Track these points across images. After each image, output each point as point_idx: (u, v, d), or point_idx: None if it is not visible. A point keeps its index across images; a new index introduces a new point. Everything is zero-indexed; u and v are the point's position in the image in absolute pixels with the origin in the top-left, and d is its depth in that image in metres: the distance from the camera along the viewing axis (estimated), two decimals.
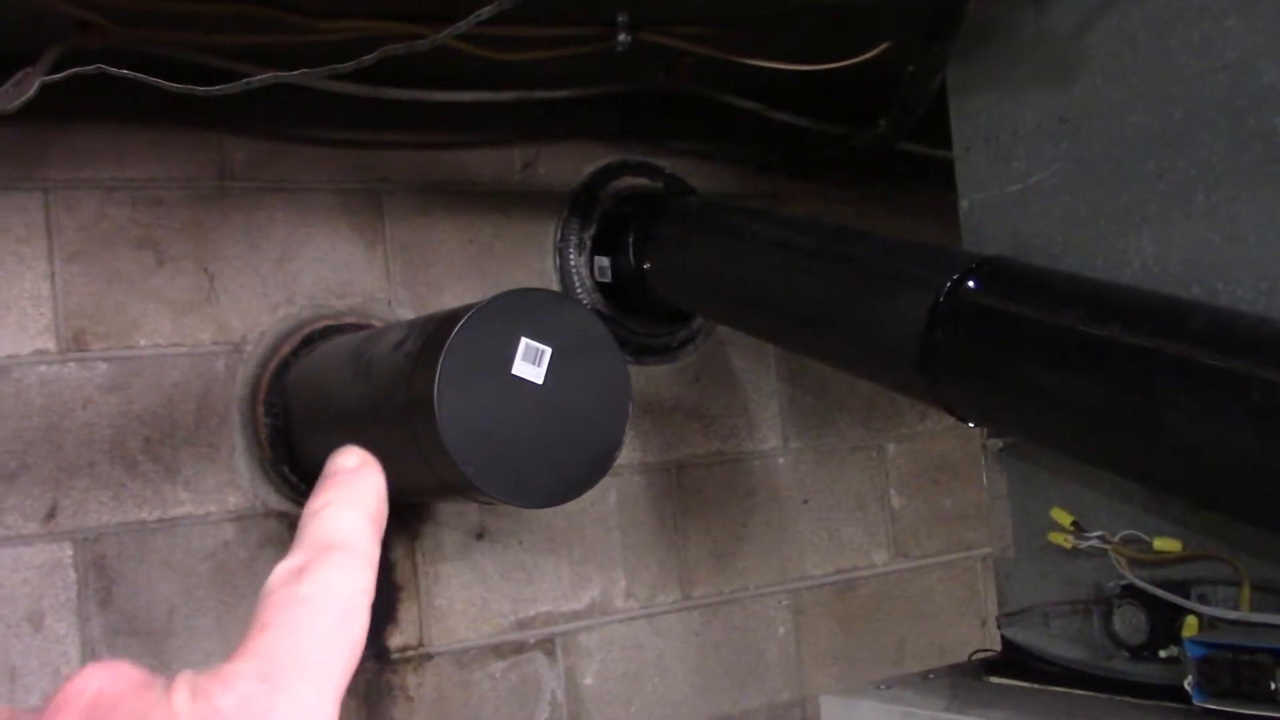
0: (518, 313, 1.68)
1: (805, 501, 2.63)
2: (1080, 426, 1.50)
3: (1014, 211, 1.86)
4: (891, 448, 2.75)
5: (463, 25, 1.78)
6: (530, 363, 1.65)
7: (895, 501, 2.74)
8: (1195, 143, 1.62)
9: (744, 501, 2.56)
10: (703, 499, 2.51)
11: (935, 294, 1.65)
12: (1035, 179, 1.84)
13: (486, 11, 1.75)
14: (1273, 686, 1.33)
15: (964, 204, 1.95)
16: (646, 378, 2.47)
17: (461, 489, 1.68)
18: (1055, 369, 1.50)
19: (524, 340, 1.65)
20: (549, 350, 1.67)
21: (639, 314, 2.44)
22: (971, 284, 1.64)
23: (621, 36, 1.99)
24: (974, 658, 1.88)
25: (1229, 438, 1.32)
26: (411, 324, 1.83)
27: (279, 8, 1.85)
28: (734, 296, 2.12)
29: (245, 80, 1.67)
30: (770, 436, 2.61)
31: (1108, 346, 1.45)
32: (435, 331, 1.68)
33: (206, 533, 2.04)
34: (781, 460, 2.62)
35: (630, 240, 2.37)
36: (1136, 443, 1.42)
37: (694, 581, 2.48)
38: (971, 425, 1.76)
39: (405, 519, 2.19)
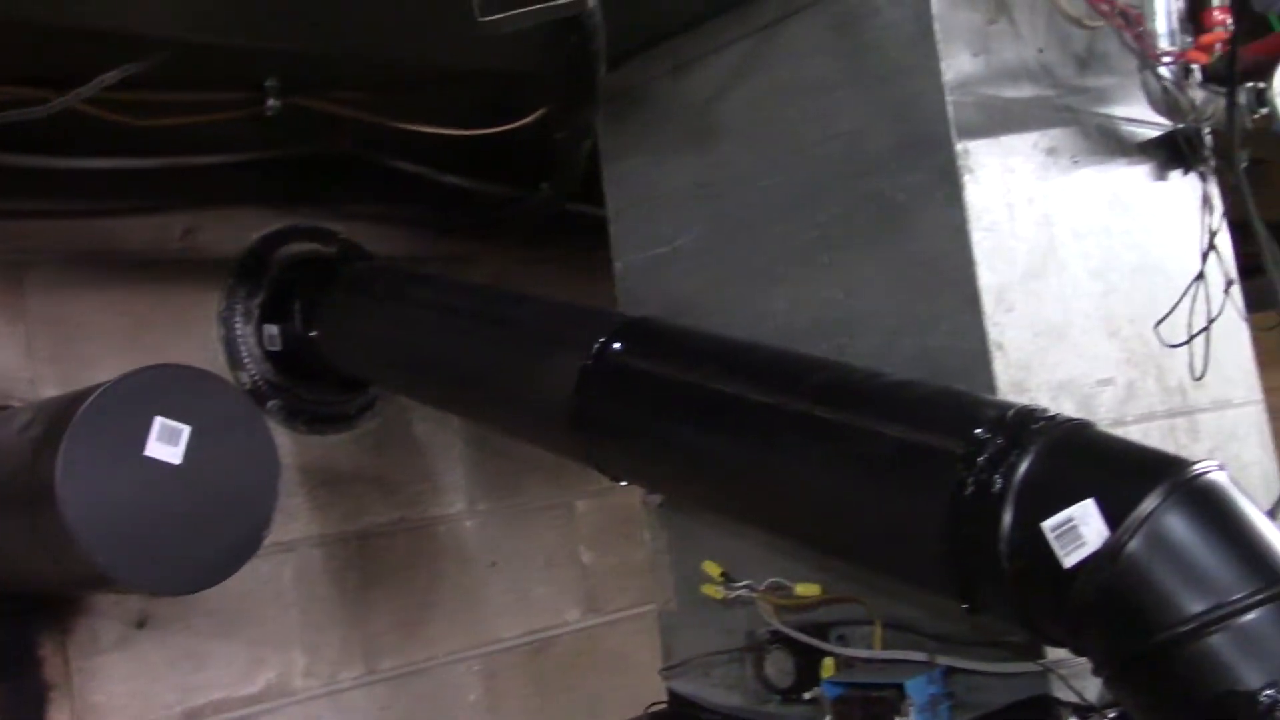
0: (153, 391, 1.61)
1: (493, 564, 2.61)
2: (712, 481, 1.55)
3: (663, 272, 1.92)
4: (581, 504, 2.77)
5: (86, 90, 1.70)
6: (166, 443, 1.58)
7: (586, 558, 2.76)
8: (817, 206, 1.71)
9: (430, 567, 2.52)
10: (387, 568, 2.45)
11: (584, 355, 1.68)
12: (680, 241, 1.90)
13: (110, 77, 1.68)
14: None
15: (618, 265, 2.00)
16: (323, 447, 2.40)
17: (94, 582, 1.59)
18: (688, 426, 1.55)
19: (159, 420, 1.58)
20: (187, 429, 1.60)
21: (313, 382, 2.37)
22: (617, 345, 1.68)
23: (271, 101, 1.95)
24: (649, 710, 1.90)
25: (842, 487, 1.39)
26: (40, 405, 1.72)
27: None
28: (398, 362, 2.09)
29: None
30: (456, 500, 2.58)
31: (734, 403, 1.51)
32: (60, 413, 1.58)
33: None
34: (469, 523, 2.59)
35: (298, 307, 2.31)
36: (762, 495, 1.48)
37: (380, 654, 2.42)
38: (623, 484, 1.80)
39: (56, 612, 2.03)
